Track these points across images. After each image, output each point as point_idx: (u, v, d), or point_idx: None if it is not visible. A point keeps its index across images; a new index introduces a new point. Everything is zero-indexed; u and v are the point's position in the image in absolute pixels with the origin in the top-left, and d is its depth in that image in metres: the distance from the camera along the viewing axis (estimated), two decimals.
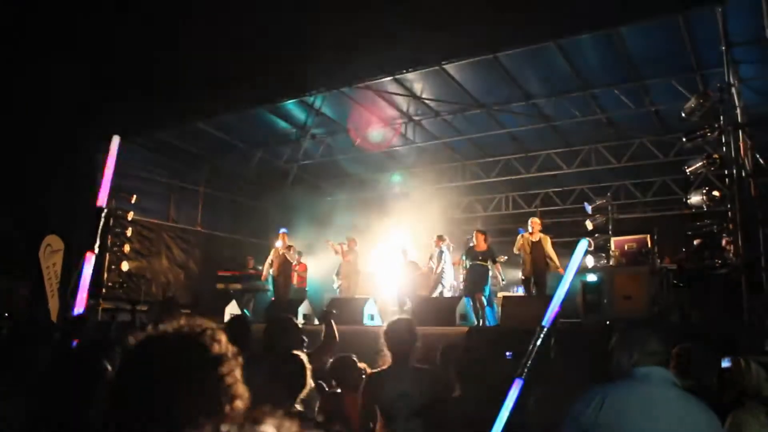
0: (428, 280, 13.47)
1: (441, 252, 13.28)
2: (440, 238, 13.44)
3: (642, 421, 2.61)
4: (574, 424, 2.76)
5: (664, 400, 2.68)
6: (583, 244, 2.46)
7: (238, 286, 15.48)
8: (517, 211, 17.97)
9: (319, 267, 15.47)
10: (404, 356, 4.30)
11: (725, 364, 4.78)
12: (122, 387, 1.34)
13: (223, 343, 1.43)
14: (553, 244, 11.66)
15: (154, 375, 1.32)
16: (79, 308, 1.99)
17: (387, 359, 4.36)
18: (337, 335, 5.27)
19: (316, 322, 11.53)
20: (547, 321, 2.03)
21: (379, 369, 4.38)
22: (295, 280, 14.48)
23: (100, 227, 2.08)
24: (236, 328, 4.55)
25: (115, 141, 2.14)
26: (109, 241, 13.56)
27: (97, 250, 2.04)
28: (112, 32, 10.94)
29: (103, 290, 13.32)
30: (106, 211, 2.21)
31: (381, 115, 14.09)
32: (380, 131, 14.86)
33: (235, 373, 1.41)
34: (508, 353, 5.93)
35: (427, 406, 3.97)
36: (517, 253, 11.90)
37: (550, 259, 11.47)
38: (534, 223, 11.78)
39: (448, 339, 5.52)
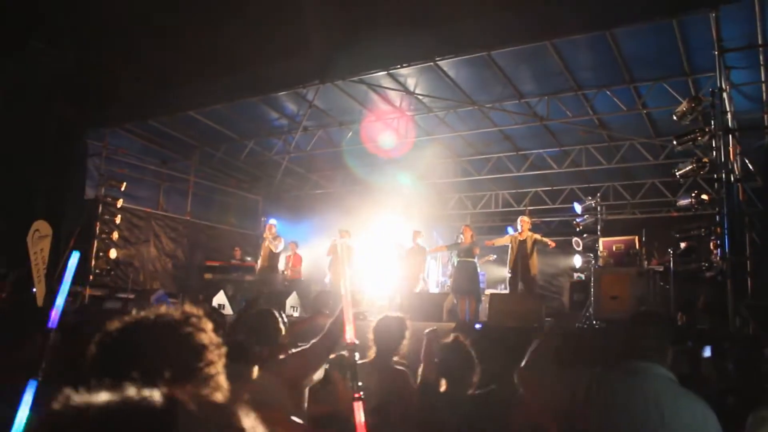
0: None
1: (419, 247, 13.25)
2: (417, 233, 13.44)
3: (653, 417, 2.68)
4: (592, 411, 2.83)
5: (674, 395, 2.76)
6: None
7: (225, 276, 15.46)
8: (507, 209, 18.02)
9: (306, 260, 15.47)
10: (387, 353, 4.28)
11: (706, 354, 4.84)
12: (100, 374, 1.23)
13: (208, 332, 1.31)
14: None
15: (133, 362, 1.15)
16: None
17: (372, 353, 4.35)
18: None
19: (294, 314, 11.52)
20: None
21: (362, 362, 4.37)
22: (289, 272, 14.47)
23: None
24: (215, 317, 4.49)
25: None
26: (97, 228, 13.51)
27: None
28: (102, 15, 10.84)
29: (91, 277, 13.27)
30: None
31: (374, 109, 14.09)
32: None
33: (217, 365, 1.29)
34: (477, 324, 5.90)
35: (382, 405, 3.90)
36: (499, 245, 12.03)
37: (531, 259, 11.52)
38: (523, 221, 11.81)
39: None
